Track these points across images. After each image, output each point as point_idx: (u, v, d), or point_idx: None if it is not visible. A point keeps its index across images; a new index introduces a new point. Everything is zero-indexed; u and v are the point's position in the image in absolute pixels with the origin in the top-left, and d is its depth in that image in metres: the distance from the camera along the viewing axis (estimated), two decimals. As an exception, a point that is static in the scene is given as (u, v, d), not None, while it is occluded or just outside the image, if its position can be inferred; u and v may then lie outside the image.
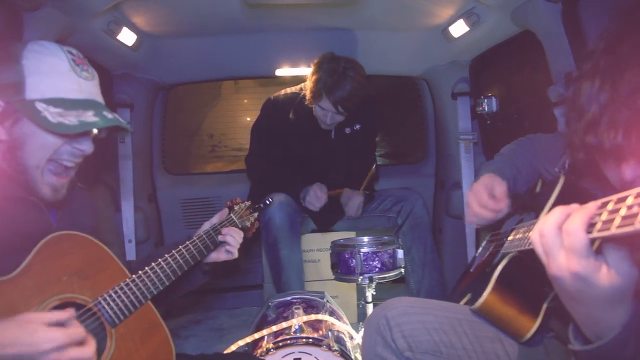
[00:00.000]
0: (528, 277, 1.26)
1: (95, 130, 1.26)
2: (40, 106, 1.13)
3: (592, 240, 0.74)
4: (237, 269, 3.30)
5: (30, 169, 1.18)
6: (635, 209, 0.64)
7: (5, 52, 1.17)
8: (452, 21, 2.23)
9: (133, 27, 2.19)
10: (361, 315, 2.78)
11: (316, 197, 2.44)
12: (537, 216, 1.26)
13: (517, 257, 1.27)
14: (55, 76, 1.18)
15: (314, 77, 2.33)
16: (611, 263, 0.74)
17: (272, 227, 2.36)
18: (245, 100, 5.00)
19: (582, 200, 1.22)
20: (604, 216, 0.71)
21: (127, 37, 2.19)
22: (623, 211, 0.66)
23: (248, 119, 4.97)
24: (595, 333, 0.80)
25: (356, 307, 2.83)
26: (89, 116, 1.19)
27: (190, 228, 3.23)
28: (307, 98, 2.42)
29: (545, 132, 1.70)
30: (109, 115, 1.23)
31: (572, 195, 1.25)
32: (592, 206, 0.74)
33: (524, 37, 2.09)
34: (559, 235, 0.76)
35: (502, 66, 2.71)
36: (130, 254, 2.65)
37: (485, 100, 2.47)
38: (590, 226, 0.73)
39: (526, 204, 1.55)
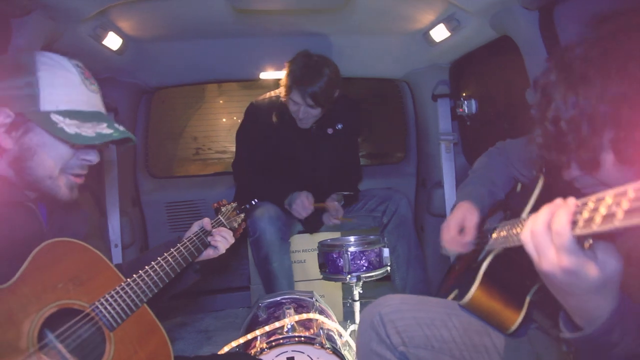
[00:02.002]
0: (512, 272, 1.32)
1: None
2: (56, 118, 1.15)
3: (578, 236, 0.79)
4: (228, 267, 3.30)
5: (42, 180, 1.20)
6: (613, 208, 0.70)
7: (17, 62, 1.18)
8: (432, 26, 2.28)
9: (119, 32, 2.19)
10: (347, 313, 2.83)
11: (303, 206, 2.47)
12: (519, 214, 1.32)
13: (501, 254, 1.33)
14: (68, 89, 1.20)
15: (286, 71, 2.39)
16: (598, 256, 0.79)
17: (263, 243, 2.39)
18: (229, 103, 5.00)
19: (567, 193, 1.30)
20: (585, 214, 0.76)
21: (112, 41, 2.18)
22: (603, 210, 0.72)
23: (231, 120, 4.97)
24: (585, 321, 0.85)
25: (342, 305, 2.88)
26: (104, 128, 1.22)
27: (175, 231, 3.23)
28: (282, 95, 2.46)
29: (524, 133, 1.78)
30: (120, 128, 1.27)
31: (554, 191, 1.32)
32: (572, 203, 0.79)
33: (502, 42, 2.17)
34: (549, 233, 0.81)
35: (481, 69, 2.79)
36: (117, 259, 2.65)
37: (465, 102, 2.54)
38: (574, 223, 0.78)
39: (507, 204, 1.62)
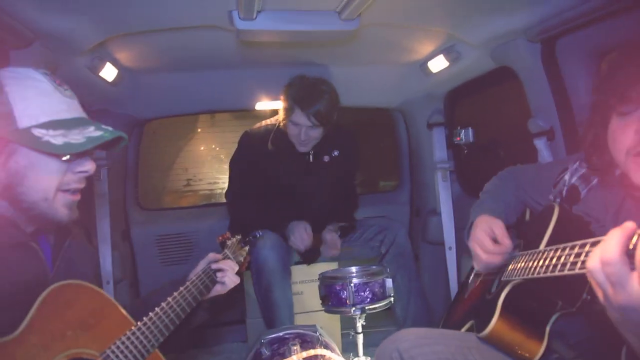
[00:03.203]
0: (531, 302, 1.31)
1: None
2: (38, 132, 1.07)
3: None
4: (234, 302, 3.19)
5: (37, 203, 1.12)
6: None
7: None
8: (432, 57, 2.31)
9: (115, 63, 2.16)
10: (346, 345, 2.76)
11: (301, 239, 2.43)
12: (534, 245, 1.31)
13: (518, 284, 1.32)
14: (43, 99, 1.12)
15: (285, 95, 2.38)
16: None
17: (266, 270, 2.32)
18: (221, 134, 4.97)
19: (579, 227, 1.30)
20: None
21: (108, 72, 2.15)
22: None
23: (223, 151, 4.94)
24: None
25: (340, 337, 2.81)
26: (92, 131, 1.14)
27: (166, 265, 3.15)
28: (281, 119, 2.45)
29: (521, 161, 1.80)
30: (109, 128, 1.18)
31: (568, 223, 1.33)
32: None
33: (497, 71, 2.21)
34: (626, 262, 0.71)
35: (476, 97, 2.84)
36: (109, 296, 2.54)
37: (463, 131, 2.56)
38: None
39: (519, 232, 1.62)
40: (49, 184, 1.12)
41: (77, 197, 1.20)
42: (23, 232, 1.15)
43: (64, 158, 1.13)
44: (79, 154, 1.15)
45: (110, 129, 1.18)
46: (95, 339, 1.12)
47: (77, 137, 1.10)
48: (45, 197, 1.12)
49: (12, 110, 1.07)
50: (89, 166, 1.18)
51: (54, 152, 1.07)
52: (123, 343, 1.15)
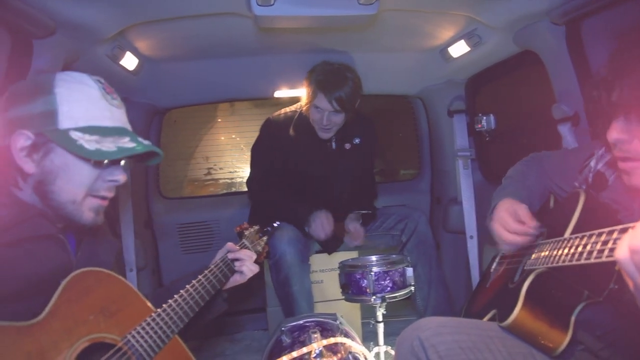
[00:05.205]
0: (555, 291, 1.28)
1: (122, 162, 1.22)
2: (75, 135, 1.10)
3: None
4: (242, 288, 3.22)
5: (65, 205, 1.14)
6: None
7: (36, 83, 1.15)
8: (452, 42, 2.27)
9: (135, 52, 2.17)
10: (366, 334, 2.76)
11: (322, 227, 2.42)
12: (559, 233, 1.28)
13: (542, 273, 1.29)
14: (88, 104, 1.14)
15: (308, 80, 2.38)
16: None
17: (284, 265, 2.32)
18: (241, 122, 4.99)
19: (606, 215, 1.26)
20: None
21: (129, 61, 2.17)
22: None
23: (243, 139, 4.97)
24: None
25: (360, 326, 2.81)
26: (126, 142, 1.16)
27: (187, 253, 3.19)
28: (303, 104, 2.45)
29: (545, 148, 1.75)
30: (145, 142, 1.20)
31: (595, 211, 1.29)
32: None
33: (519, 56, 2.15)
34: None
35: (498, 83, 2.78)
36: (132, 283, 2.58)
37: (484, 118, 2.51)
38: None
39: (543, 220, 1.58)
40: (79, 187, 1.15)
41: (106, 202, 1.23)
42: (53, 224, 1.17)
43: (94, 164, 1.15)
44: (111, 163, 1.18)
45: (145, 142, 1.20)
46: (117, 324, 1.14)
47: (109, 145, 1.13)
48: (74, 200, 1.15)
49: (57, 110, 1.11)
50: (119, 176, 1.21)
51: (84, 155, 1.09)
52: (143, 329, 1.18)
